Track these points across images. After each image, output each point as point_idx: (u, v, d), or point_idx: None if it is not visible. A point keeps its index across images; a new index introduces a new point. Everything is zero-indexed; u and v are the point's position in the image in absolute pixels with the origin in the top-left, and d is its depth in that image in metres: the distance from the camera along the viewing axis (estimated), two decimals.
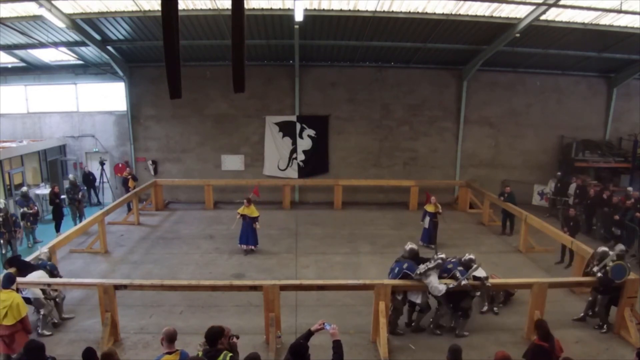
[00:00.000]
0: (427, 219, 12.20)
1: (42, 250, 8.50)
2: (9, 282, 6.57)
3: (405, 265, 7.42)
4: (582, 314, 8.23)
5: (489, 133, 17.16)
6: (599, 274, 7.74)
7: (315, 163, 16.94)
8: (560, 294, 8.98)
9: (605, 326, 7.90)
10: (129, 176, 15.27)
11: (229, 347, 5.06)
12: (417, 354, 7.17)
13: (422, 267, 7.27)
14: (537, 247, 11.84)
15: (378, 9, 12.50)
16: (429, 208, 12.20)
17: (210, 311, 8.39)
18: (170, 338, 4.87)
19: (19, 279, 7.60)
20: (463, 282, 7.27)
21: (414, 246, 7.88)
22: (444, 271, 7.55)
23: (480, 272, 7.60)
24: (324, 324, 4.81)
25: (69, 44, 14.40)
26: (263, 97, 16.46)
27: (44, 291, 7.65)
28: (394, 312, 7.64)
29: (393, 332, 7.62)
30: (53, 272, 8.02)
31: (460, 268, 7.51)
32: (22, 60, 15.75)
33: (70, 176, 14.55)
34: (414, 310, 7.88)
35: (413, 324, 7.88)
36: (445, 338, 7.49)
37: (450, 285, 7.27)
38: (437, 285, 7.19)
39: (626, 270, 7.59)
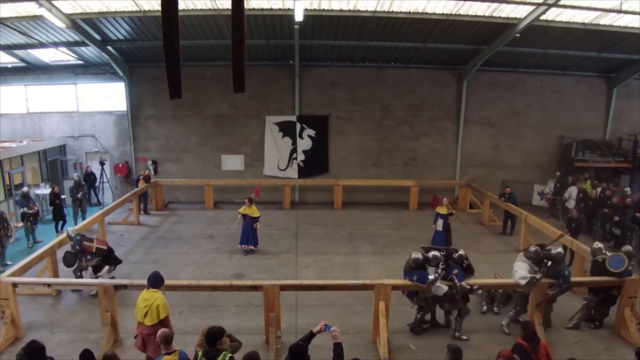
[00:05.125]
0: (440, 221, 11.73)
1: (72, 229, 9.25)
2: (155, 281, 6.29)
3: (415, 278, 7.38)
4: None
5: (489, 133, 17.16)
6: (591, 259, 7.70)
7: (315, 163, 16.93)
8: None
9: (574, 321, 7.96)
10: (141, 177, 15.21)
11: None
12: (417, 354, 7.17)
13: (432, 275, 7.30)
14: None
15: (378, 9, 12.49)
16: (442, 210, 11.75)
17: (210, 311, 8.40)
18: (166, 340, 4.90)
19: (23, 279, 7.75)
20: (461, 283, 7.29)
21: (419, 256, 7.56)
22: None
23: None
24: (325, 325, 4.80)
25: (69, 44, 14.39)
26: (263, 97, 16.46)
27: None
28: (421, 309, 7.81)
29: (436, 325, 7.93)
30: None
31: (455, 271, 7.44)
32: (22, 60, 15.74)
33: (75, 175, 14.64)
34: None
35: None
36: (445, 338, 7.48)
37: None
38: (441, 285, 7.26)
39: (624, 261, 7.48)
